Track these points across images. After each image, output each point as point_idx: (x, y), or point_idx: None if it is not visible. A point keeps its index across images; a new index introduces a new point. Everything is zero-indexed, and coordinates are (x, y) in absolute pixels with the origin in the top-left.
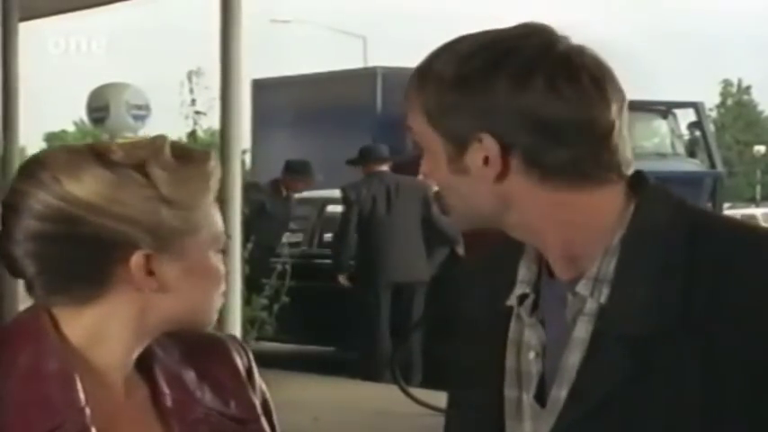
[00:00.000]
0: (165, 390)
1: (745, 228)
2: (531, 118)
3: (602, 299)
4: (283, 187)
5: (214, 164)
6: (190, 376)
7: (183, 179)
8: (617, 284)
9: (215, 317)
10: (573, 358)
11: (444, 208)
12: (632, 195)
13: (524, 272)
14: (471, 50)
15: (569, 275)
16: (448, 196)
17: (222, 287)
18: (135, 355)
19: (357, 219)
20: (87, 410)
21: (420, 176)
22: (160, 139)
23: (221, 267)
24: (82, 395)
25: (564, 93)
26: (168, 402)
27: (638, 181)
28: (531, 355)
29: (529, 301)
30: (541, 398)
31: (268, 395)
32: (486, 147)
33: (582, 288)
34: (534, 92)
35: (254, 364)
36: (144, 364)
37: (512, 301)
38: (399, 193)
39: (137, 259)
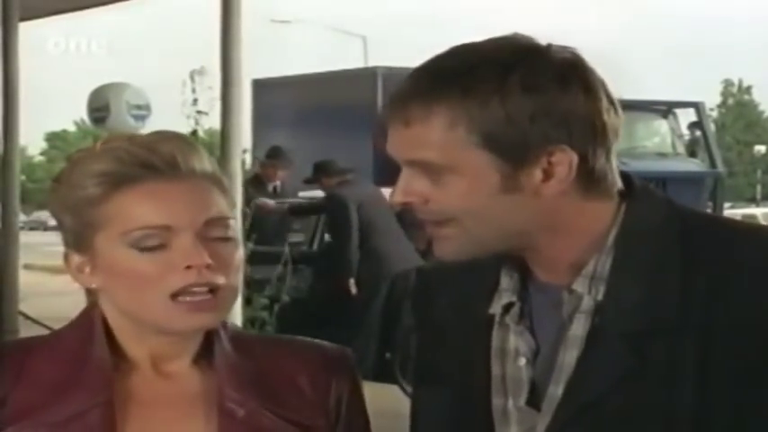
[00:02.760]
0: (224, 387)
1: (735, 223)
2: (594, 124)
3: (599, 296)
4: (264, 179)
5: (98, 155)
6: (254, 374)
7: (73, 179)
8: (613, 282)
9: (170, 323)
10: (570, 356)
11: (435, 237)
12: (621, 195)
13: (507, 280)
14: (511, 59)
15: (567, 279)
16: (465, 222)
17: (162, 289)
18: (163, 349)
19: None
20: (112, 398)
21: (426, 205)
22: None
23: (144, 267)
24: (110, 382)
25: (600, 97)
26: (222, 399)
27: (625, 181)
28: (522, 361)
29: (516, 309)
30: (535, 403)
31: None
32: (560, 159)
33: (579, 285)
34: (598, 100)
35: (355, 380)
36: (208, 359)
37: (495, 309)
38: (372, 196)
39: (68, 258)
